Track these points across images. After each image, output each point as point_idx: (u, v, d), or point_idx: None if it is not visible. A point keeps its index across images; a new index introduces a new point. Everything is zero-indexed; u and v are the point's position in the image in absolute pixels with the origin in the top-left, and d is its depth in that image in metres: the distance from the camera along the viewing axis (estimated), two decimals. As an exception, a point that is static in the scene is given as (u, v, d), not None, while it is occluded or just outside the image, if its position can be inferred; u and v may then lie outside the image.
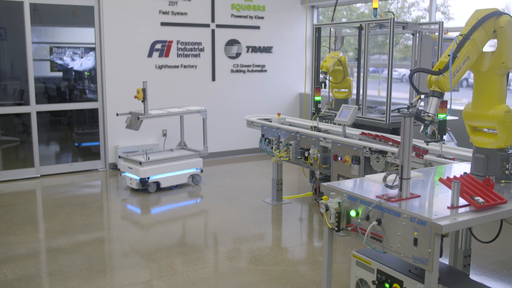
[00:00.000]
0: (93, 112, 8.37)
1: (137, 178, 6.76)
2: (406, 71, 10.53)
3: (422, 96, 3.24)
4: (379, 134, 5.08)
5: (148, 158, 6.83)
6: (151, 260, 4.68)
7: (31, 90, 7.63)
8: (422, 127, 3.21)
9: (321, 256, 4.75)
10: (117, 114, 7.04)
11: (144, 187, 6.84)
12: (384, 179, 2.86)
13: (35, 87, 7.71)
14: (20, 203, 6.48)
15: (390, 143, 4.75)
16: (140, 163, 6.71)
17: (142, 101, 6.71)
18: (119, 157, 6.75)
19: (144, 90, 6.68)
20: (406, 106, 3.90)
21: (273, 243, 5.25)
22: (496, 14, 3.11)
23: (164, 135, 8.63)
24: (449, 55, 3.03)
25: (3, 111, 7.93)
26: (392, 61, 6.08)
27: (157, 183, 6.89)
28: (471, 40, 3.07)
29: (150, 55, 8.39)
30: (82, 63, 12.17)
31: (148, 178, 6.77)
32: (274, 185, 6.36)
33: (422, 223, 2.46)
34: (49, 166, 7.95)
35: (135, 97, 6.66)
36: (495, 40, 3.18)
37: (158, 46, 8.43)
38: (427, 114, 3.12)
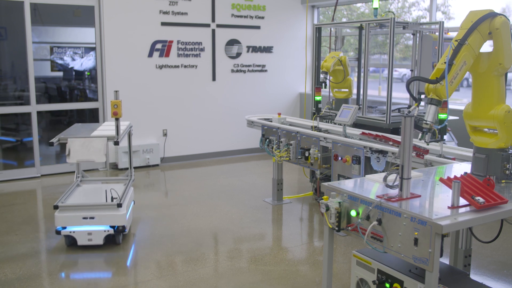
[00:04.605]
0: (94, 112, 8.37)
1: (107, 228, 4.88)
2: (406, 71, 10.54)
3: (422, 96, 3.24)
4: (380, 134, 5.07)
5: (112, 199, 5.12)
6: (152, 259, 4.68)
7: (32, 90, 7.63)
8: (420, 134, 3.21)
9: (321, 256, 4.75)
10: (51, 144, 4.96)
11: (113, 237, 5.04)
12: (385, 179, 2.86)
13: (35, 87, 7.71)
14: (20, 202, 6.48)
15: (391, 143, 4.75)
16: (119, 205, 4.88)
17: (117, 119, 4.99)
18: (55, 207, 4.84)
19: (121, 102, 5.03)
20: (407, 106, 3.89)
21: (274, 243, 5.25)
22: (490, 15, 3.09)
23: (165, 135, 8.64)
24: (445, 63, 3.02)
25: (4, 110, 7.92)
26: (392, 61, 6.08)
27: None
28: (467, 45, 3.05)
29: (150, 55, 8.39)
30: (82, 63, 12.17)
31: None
32: (275, 185, 6.36)
33: (422, 223, 2.46)
34: (49, 166, 7.95)
35: (115, 113, 4.93)
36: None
37: (159, 46, 8.43)
38: (425, 121, 3.12)
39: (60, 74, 12.04)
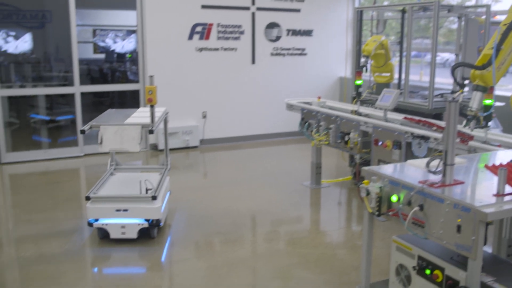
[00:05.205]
0: (135, 94, 8.51)
1: (141, 221, 4.60)
2: (449, 56, 10.28)
3: (466, 81, 3.18)
4: (423, 119, 4.99)
5: (147, 190, 4.75)
6: (191, 240, 4.77)
7: (75, 71, 7.81)
8: (464, 121, 3.15)
9: (359, 240, 4.75)
10: (83, 132, 4.57)
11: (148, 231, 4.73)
12: (427, 164, 2.83)
13: (79, 69, 7.90)
14: (65, 180, 6.70)
15: (434, 128, 4.67)
16: (154, 197, 4.59)
17: (152, 106, 4.61)
18: (87, 198, 4.59)
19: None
20: (450, 92, 3.81)
21: (311, 226, 5.27)
22: None
23: (204, 117, 8.72)
24: (492, 48, 2.94)
25: (49, 91, 8.16)
26: (436, 45, 5.94)
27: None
28: None
29: (190, 37, 8.45)
30: (123, 46, 12.40)
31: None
32: (313, 169, 6.36)
33: (466, 210, 2.43)
34: (92, 146, 8.14)
35: (150, 100, 4.57)
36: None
37: (199, 28, 8.48)
38: (470, 109, 3.06)
39: (102, 56, 12.32)
